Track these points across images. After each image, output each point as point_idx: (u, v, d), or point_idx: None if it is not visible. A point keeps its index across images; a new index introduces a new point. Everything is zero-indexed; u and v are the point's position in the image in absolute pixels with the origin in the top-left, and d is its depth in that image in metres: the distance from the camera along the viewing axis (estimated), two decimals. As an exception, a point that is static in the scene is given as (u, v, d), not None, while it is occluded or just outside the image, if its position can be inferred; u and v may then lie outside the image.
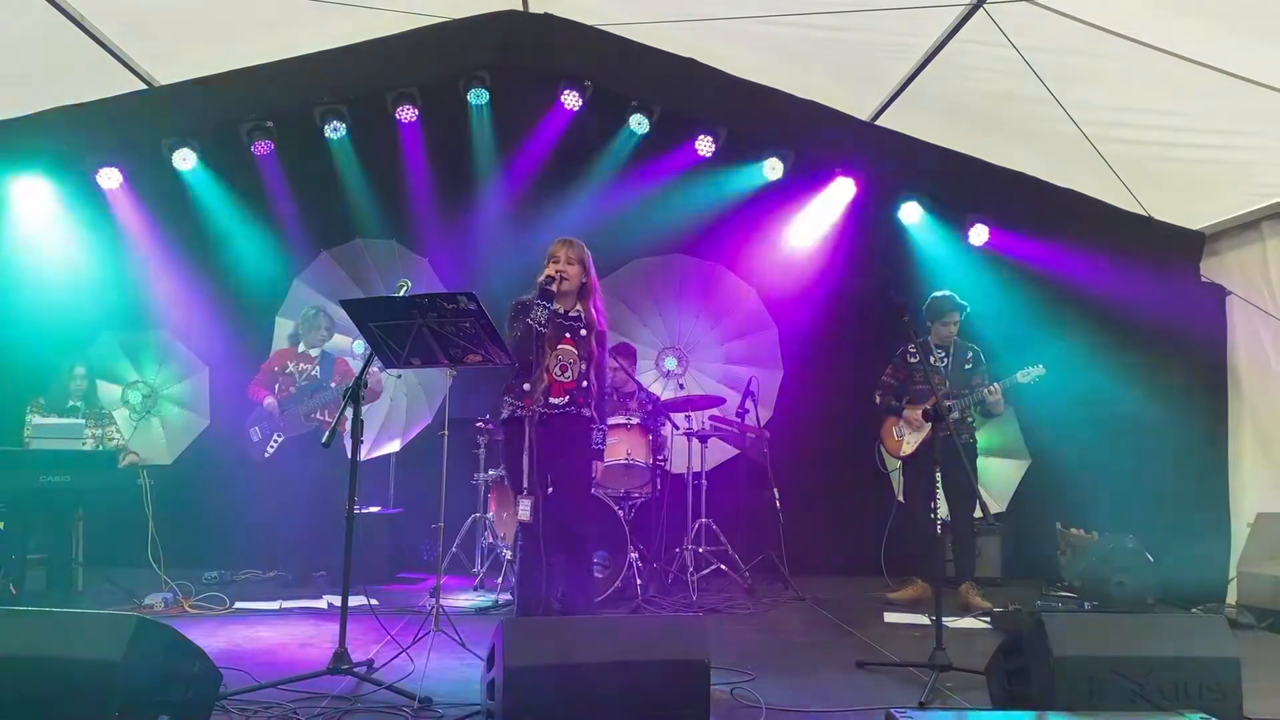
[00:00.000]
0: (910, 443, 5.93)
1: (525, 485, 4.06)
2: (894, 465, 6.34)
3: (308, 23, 6.02)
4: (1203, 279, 6.31)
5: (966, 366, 5.89)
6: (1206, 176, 5.74)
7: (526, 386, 4.15)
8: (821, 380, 7.26)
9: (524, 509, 4.03)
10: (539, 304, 4.10)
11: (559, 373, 4.21)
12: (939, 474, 4.55)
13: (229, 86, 6.35)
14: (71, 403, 6.10)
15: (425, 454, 6.74)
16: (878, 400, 6.10)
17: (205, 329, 7.09)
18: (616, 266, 7.09)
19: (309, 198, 6.99)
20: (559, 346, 4.23)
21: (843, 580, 6.70)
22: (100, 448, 5.94)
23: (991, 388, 5.68)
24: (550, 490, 4.21)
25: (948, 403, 5.67)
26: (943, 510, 5.88)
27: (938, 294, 5.99)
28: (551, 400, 4.19)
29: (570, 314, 4.35)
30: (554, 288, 4.18)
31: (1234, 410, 6.12)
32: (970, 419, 5.87)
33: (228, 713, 3.23)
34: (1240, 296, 6.10)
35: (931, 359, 5.89)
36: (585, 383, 4.29)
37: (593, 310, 4.41)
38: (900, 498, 6.36)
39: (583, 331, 4.32)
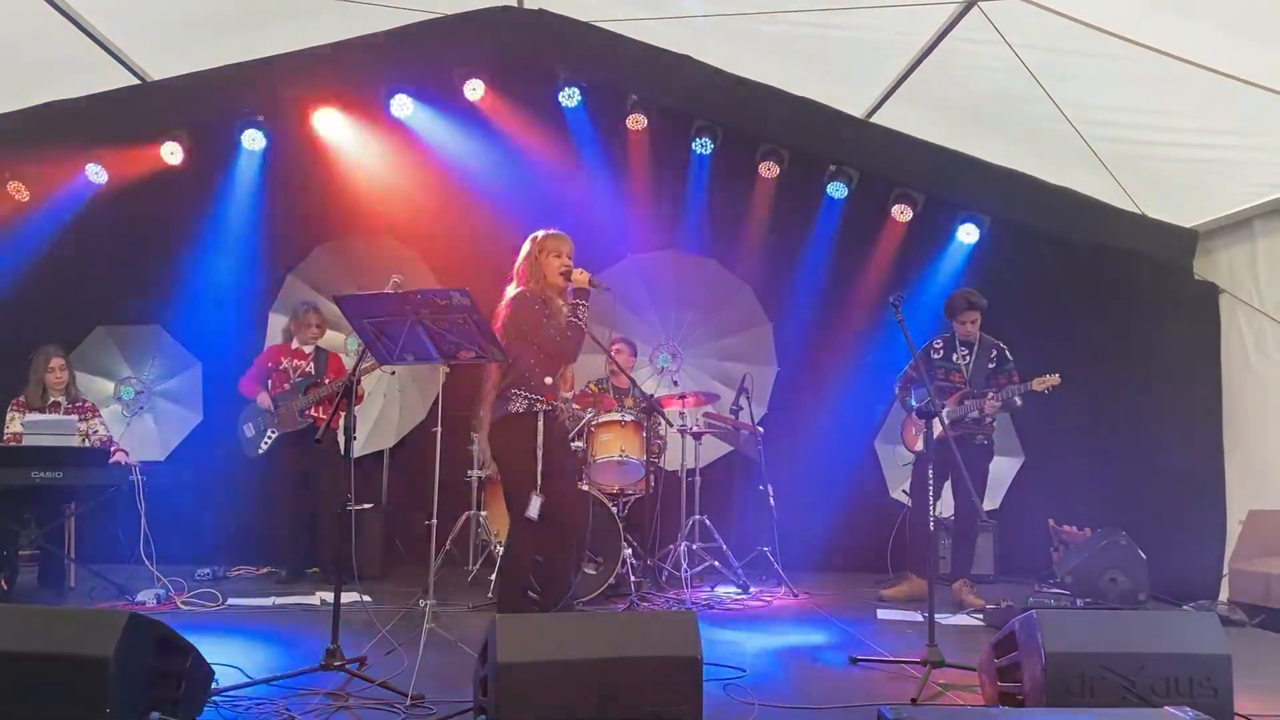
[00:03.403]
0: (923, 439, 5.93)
1: (538, 481, 4.02)
2: (906, 460, 6.35)
3: (301, 18, 6.01)
4: (1196, 277, 6.34)
5: (990, 365, 5.86)
6: (1200, 175, 5.76)
7: (549, 380, 4.13)
8: (816, 377, 7.27)
9: (536, 506, 4.00)
10: (581, 304, 4.11)
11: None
12: (932, 472, 4.55)
13: (222, 82, 6.34)
14: (52, 398, 6.05)
15: (418, 450, 6.73)
16: (897, 391, 6.11)
17: (198, 324, 7.06)
18: (611, 263, 7.08)
19: (303, 193, 6.97)
20: None
21: (836, 576, 6.71)
22: (85, 442, 5.90)
23: (993, 395, 5.65)
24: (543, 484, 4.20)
25: (966, 402, 5.68)
26: (948, 509, 5.90)
27: (955, 292, 5.96)
28: (563, 394, 4.19)
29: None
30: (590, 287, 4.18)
31: (1226, 407, 6.14)
32: (989, 419, 5.82)
33: (220, 709, 3.23)
34: (1231, 294, 6.13)
35: (954, 356, 5.88)
36: (572, 374, 4.31)
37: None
38: (900, 495, 6.36)
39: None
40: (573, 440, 4.51)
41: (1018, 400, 5.68)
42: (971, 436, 5.69)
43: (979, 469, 5.69)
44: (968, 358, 5.88)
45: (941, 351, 5.87)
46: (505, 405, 4.10)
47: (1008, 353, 5.87)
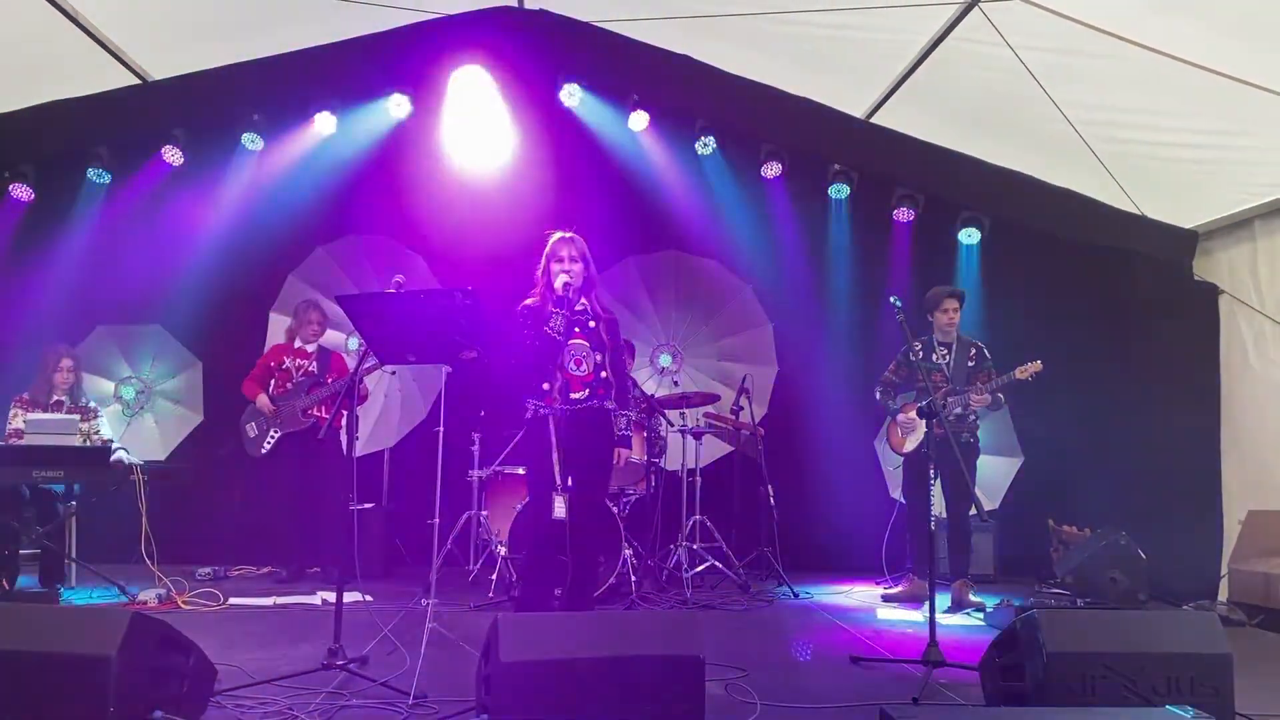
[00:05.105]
0: (912, 440, 5.93)
1: (557, 482, 4.06)
2: (895, 463, 6.36)
3: (302, 19, 6.01)
4: (1195, 277, 6.34)
5: (970, 364, 5.87)
6: (1199, 176, 5.77)
7: (546, 386, 4.16)
8: (816, 377, 7.27)
9: (560, 507, 4.02)
10: (558, 312, 4.10)
11: (574, 368, 4.21)
12: (934, 471, 4.55)
13: (223, 82, 6.34)
14: (56, 397, 6.04)
15: (419, 450, 6.74)
16: (878, 396, 6.11)
17: (199, 323, 7.06)
18: (611, 264, 7.08)
19: (304, 193, 6.96)
20: (570, 341, 4.22)
21: (837, 576, 6.71)
22: (85, 443, 5.89)
23: (979, 388, 5.64)
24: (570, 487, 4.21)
25: (950, 400, 5.68)
26: (940, 508, 5.90)
27: (934, 287, 6.00)
28: (572, 396, 4.19)
29: (576, 308, 4.34)
30: (570, 295, 4.17)
31: (1225, 408, 6.15)
32: (973, 417, 5.84)
33: (222, 709, 3.23)
34: (1230, 294, 6.13)
35: (934, 356, 5.89)
36: (603, 373, 4.28)
37: (596, 302, 4.40)
38: (899, 495, 6.36)
39: (591, 324, 4.31)
40: None
41: (1001, 396, 5.70)
42: (957, 435, 5.69)
43: (967, 467, 5.70)
44: (947, 357, 5.88)
45: (921, 353, 5.87)
46: (524, 412, 4.26)
47: (986, 351, 5.89)
